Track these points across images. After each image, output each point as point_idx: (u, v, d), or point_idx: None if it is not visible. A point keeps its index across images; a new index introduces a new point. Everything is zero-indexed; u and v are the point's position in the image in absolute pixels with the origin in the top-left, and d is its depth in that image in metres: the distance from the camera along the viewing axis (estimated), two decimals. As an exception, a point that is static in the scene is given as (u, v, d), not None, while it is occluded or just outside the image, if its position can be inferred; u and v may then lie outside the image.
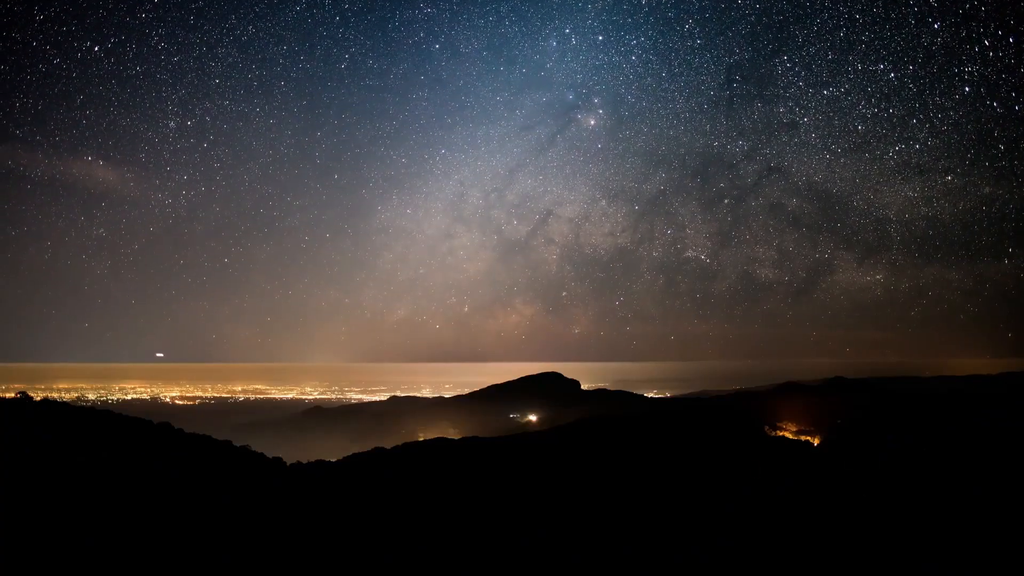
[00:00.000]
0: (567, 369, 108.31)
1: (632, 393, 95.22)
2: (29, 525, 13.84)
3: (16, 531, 13.42)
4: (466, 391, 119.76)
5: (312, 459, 29.69)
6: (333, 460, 30.66)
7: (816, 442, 47.94)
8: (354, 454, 33.41)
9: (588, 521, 21.41)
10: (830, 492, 29.42)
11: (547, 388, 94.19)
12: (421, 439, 39.90)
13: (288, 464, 26.89)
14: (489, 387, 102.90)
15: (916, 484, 28.16)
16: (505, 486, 26.14)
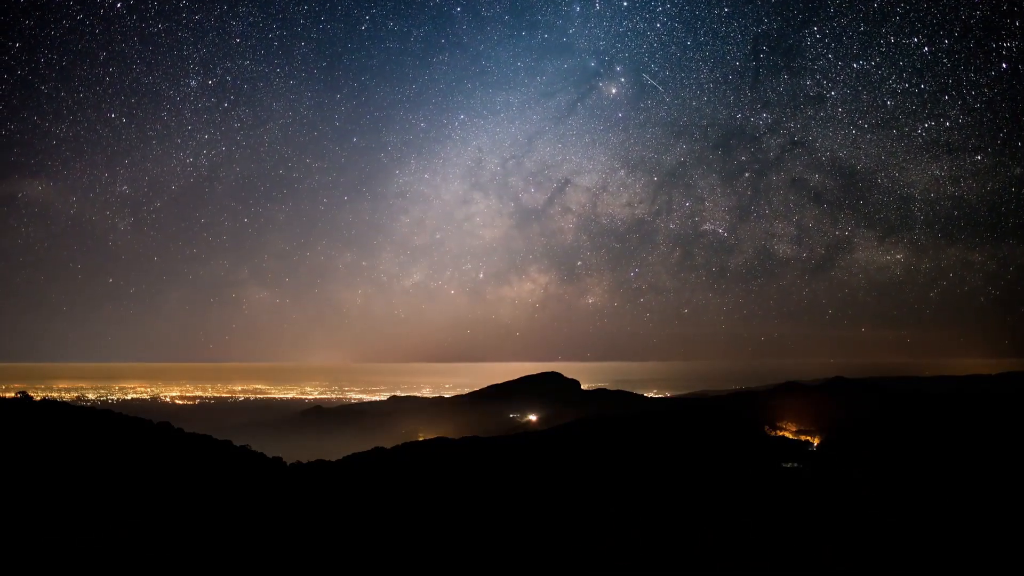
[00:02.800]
0: (567, 369, 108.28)
1: (632, 393, 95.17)
2: (30, 524, 13.85)
3: (18, 530, 13.42)
4: (466, 391, 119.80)
5: (312, 459, 29.72)
6: (333, 460, 30.70)
7: (816, 442, 47.94)
8: (354, 454, 33.44)
9: (588, 519, 21.41)
10: (826, 491, 29.41)
11: (547, 388, 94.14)
12: (421, 439, 39.91)
13: (288, 464, 26.92)
14: (489, 387, 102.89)
15: (914, 484, 28.15)
16: (505, 485, 26.15)
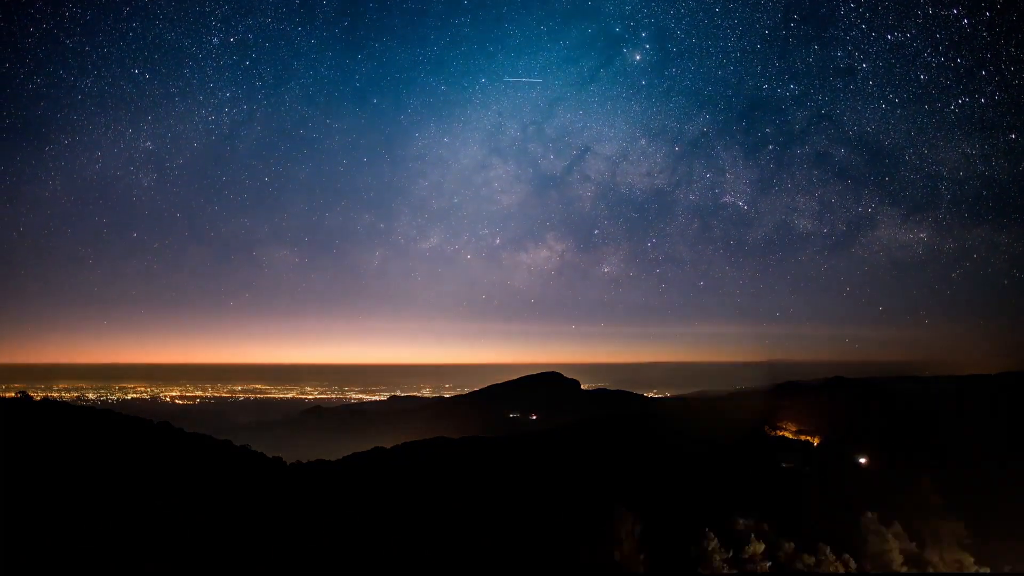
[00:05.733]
0: (567, 369, 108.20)
1: (632, 393, 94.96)
2: (30, 523, 13.82)
3: (18, 529, 13.40)
4: (466, 391, 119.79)
5: (312, 459, 29.73)
6: (333, 460, 30.69)
7: (816, 442, 47.87)
8: (354, 454, 33.43)
9: (588, 519, 21.38)
10: (826, 491, 29.38)
11: (547, 388, 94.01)
12: (421, 439, 39.85)
13: (288, 464, 26.91)
14: (489, 387, 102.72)
15: (912, 482, 28.10)
16: (505, 485, 26.13)
